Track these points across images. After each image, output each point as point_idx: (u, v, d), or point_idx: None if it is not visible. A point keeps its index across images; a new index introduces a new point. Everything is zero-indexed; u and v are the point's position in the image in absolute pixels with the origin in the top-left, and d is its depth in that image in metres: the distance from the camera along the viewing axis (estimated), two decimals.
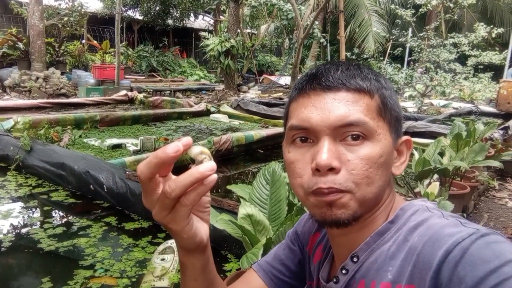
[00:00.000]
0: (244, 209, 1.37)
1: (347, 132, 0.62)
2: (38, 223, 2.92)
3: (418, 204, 0.68)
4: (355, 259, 0.67)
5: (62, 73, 10.98)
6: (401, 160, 0.71)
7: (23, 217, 3.04)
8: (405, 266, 0.58)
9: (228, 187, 1.80)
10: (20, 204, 3.27)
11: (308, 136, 0.65)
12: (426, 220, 0.62)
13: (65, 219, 3.08)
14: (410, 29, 11.08)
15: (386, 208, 0.68)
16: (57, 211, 3.25)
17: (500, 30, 9.17)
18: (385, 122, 0.65)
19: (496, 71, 11.16)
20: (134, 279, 2.24)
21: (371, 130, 0.63)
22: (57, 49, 12.01)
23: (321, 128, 0.62)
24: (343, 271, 0.68)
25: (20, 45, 10.66)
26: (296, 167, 0.66)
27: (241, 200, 1.47)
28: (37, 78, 9.94)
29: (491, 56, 9.38)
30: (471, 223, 0.59)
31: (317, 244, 0.81)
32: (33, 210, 3.21)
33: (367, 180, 0.62)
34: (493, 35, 9.15)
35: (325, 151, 0.61)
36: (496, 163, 3.00)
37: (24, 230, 2.82)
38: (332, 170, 0.61)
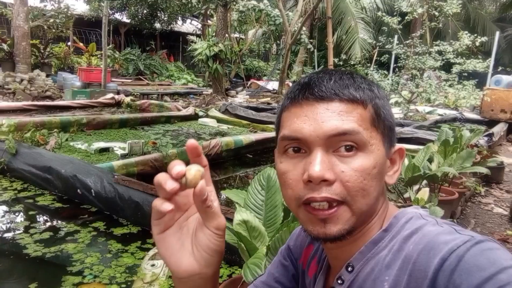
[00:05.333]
0: (240, 215, 1.36)
1: (340, 143, 0.61)
2: (24, 228, 2.86)
3: (411, 212, 0.67)
4: (349, 269, 0.66)
5: (47, 75, 10.83)
6: (394, 169, 0.70)
7: (8, 221, 2.98)
8: (401, 275, 0.58)
9: (223, 192, 1.78)
10: (5, 208, 3.20)
11: (300, 146, 0.64)
12: (421, 228, 0.61)
13: (52, 224, 3.01)
14: (396, 37, 11.23)
15: (380, 217, 0.68)
16: (43, 215, 3.18)
17: (484, 39, 9.36)
18: (378, 132, 0.64)
19: (480, 79, 11.38)
20: (124, 286, 2.20)
21: (364, 140, 0.62)
22: (42, 51, 11.86)
23: (314, 138, 0.61)
24: (339, 281, 0.68)
25: (4, 46, 10.50)
26: (288, 178, 0.65)
27: (237, 206, 1.46)
28: (22, 80, 9.78)
29: (475, 64, 9.55)
30: (466, 230, 0.59)
31: (311, 257, 0.80)
32: (19, 214, 3.14)
33: (362, 192, 0.61)
34: (477, 44, 9.32)
35: (318, 163, 0.60)
36: (484, 170, 3.05)
37: (9, 235, 2.75)
38: (325, 181, 0.60)
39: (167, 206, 0.56)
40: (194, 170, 0.56)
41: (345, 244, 0.66)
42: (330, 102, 0.63)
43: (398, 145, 0.71)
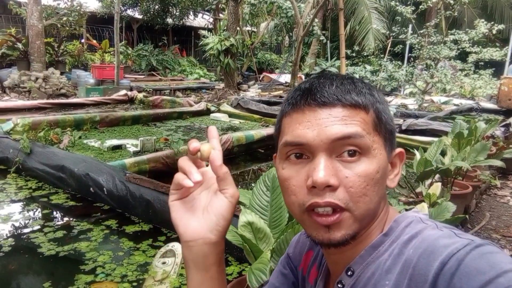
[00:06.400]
0: (245, 216, 1.36)
1: (344, 147, 0.61)
2: (38, 226, 2.91)
3: (411, 216, 0.67)
4: (349, 273, 0.67)
5: (61, 73, 10.97)
6: (395, 172, 0.71)
7: (23, 220, 3.03)
8: (401, 279, 0.58)
9: None
10: (20, 207, 3.26)
11: (303, 152, 0.64)
12: (420, 232, 0.61)
13: (66, 222, 3.06)
14: (410, 26, 11.02)
15: (381, 221, 0.68)
16: (57, 214, 3.24)
17: (501, 26, 9.11)
18: (380, 136, 0.65)
19: (497, 68, 11.12)
20: (135, 284, 2.23)
21: (368, 145, 0.62)
22: (56, 49, 11.99)
23: (318, 143, 0.61)
24: (339, 285, 0.68)
25: (19, 45, 10.64)
26: (290, 184, 0.65)
27: (242, 207, 1.46)
28: (37, 78, 9.93)
29: (492, 53, 9.32)
30: (465, 233, 0.59)
31: (311, 263, 0.81)
32: (33, 213, 3.20)
33: (365, 198, 0.61)
34: (494, 32, 9.09)
35: (322, 168, 0.60)
36: (498, 163, 2.98)
37: (24, 234, 2.81)
38: (329, 187, 0.60)
39: (196, 177, 0.65)
40: (206, 146, 0.67)
41: (347, 249, 0.66)
42: (333, 107, 0.63)
43: (398, 149, 0.71)
